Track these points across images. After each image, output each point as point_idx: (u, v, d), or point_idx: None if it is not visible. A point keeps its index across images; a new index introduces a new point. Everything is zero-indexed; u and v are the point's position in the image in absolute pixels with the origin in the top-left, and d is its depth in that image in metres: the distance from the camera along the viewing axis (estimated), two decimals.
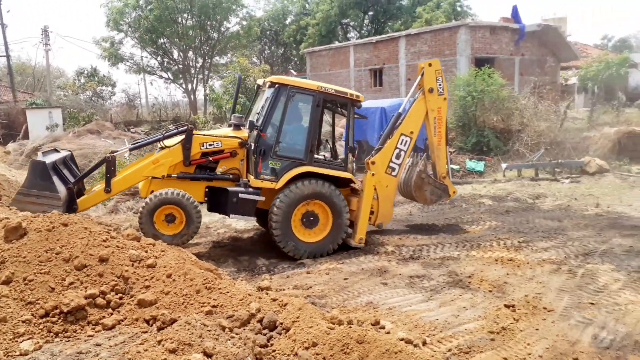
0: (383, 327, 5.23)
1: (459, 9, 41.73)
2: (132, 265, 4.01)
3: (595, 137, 16.03)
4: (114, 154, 7.97)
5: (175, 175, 7.90)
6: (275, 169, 7.90)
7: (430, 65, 8.93)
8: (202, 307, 3.67)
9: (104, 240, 4.17)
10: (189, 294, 3.77)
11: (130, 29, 31.59)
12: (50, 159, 7.28)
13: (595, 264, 7.08)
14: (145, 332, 3.36)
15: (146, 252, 4.23)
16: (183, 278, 3.88)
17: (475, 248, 8.08)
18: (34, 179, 6.85)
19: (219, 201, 8.05)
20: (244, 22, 34.77)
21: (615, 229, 8.81)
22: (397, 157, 8.65)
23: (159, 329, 3.32)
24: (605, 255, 7.43)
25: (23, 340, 3.18)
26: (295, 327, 3.31)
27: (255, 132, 7.87)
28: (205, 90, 28.38)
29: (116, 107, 39.24)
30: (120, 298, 3.77)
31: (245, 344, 3.01)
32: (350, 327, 3.22)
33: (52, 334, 3.39)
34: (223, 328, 3.34)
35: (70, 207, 7.29)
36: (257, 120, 8.01)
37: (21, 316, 3.42)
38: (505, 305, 5.72)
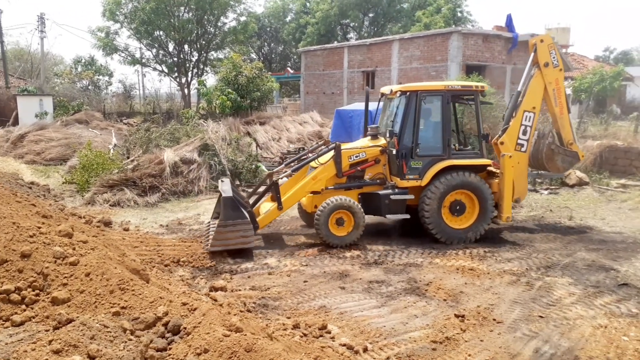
0: (329, 332, 5.27)
1: (459, 14, 41.88)
2: (55, 262, 4.02)
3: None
4: (278, 177, 9.30)
5: (332, 187, 8.90)
6: (418, 168, 8.66)
7: (542, 41, 9.25)
8: (111, 307, 3.68)
9: (31, 236, 4.18)
10: (102, 293, 3.79)
11: (126, 20, 31.51)
12: (229, 191, 8.24)
13: (555, 277, 7.11)
14: (47, 330, 3.38)
15: (74, 249, 4.24)
16: (100, 277, 3.90)
17: (440, 256, 8.11)
18: (227, 211, 7.92)
19: (372, 205, 8.86)
20: (242, 18, 34.72)
21: (583, 243, 8.84)
22: (524, 133, 9.12)
23: (55, 328, 3.34)
24: (566, 269, 7.47)
25: None
26: (195, 332, 3.33)
27: (394, 139, 8.67)
28: (197, 85, 28.30)
29: (112, 97, 39.23)
30: (37, 295, 3.78)
31: (137, 348, 3.03)
32: (245, 335, 3.23)
33: None
34: (124, 330, 3.35)
35: (253, 226, 8.28)
36: (393, 127, 8.93)
37: None
38: (455, 315, 5.74)
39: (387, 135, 8.95)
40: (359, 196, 9.02)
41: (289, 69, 43.63)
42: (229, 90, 22.24)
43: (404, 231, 9.61)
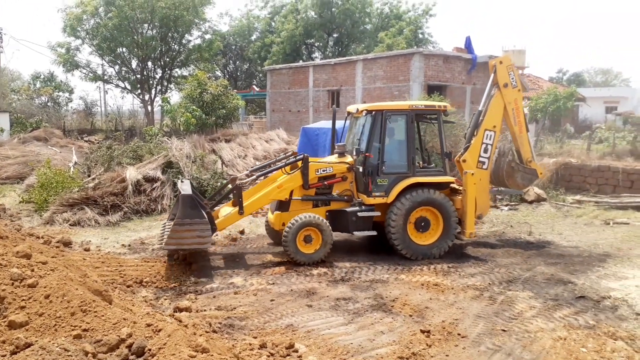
0: (297, 351, 5.23)
1: (420, 36, 43.07)
2: (12, 284, 3.87)
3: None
4: (239, 181, 9.12)
5: (300, 198, 8.95)
6: (384, 186, 8.84)
7: (501, 62, 9.64)
8: (72, 330, 3.57)
9: None
10: (63, 316, 3.67)
11: (87, 36, 30.96)
12: (188, 190, 8.24)
13: (516, 291, 7.30)
14: (4, 355, 3.24)
15: (32, 270, 4.09)
16: (60, 299, 3.77)
17: (405, 272, 8.21)
18: (185, 209, 7.81)
19: (339, 222, 8.97)
20: (207, 36, 34.66)
21: (542, 257, 9.13)
22: (485, 151, 9.47)
23: (12, 353, 3.21)
24: (527, 283, 7.68)
25: None
26: (160, 354, 3.26)
27: (361, 156, 8.89)
28: (161, 102, 27.97)
29: (73, 114, 38.23)
30: None
31: None
32: (211, 355, 3.20)
33: None
34: (86, 353, 3.25)
35: (211, 228, 8.22)
36: (360, 145, 9.14)
37: None
38: (421, 331, 5.82)
39: (354, 153, 9.13)
40: (327, 213, 9.09)
41: (254, 86, 43.65)
42: (194, 107, 22.05)
43: (371, 248, 9.70)
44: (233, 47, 48.11)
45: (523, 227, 11.57)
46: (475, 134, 9.59)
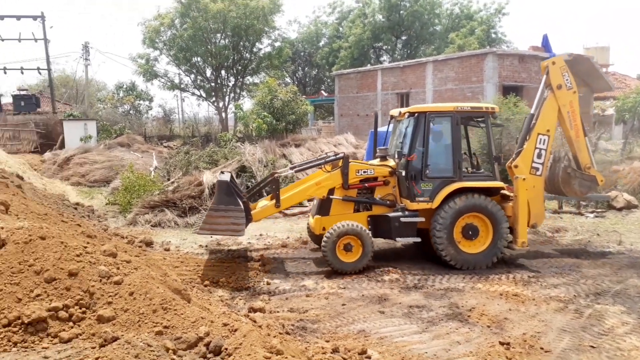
0: (369, 357, 5.16)
1: (493, 35, 41.61)
2: (100, 281, 4.10)
3: (624, 170, 15.48)
4: (279, 173, 9.19)
5: (340, 198, 8.75)
6: (428, 190, 8.52)
7: (553, 63, 9.07)
8: (154, 326, 3.71)
9: (78, 255, 4.29)
10: (145, 312, 3.82)
11: (165, 47, 32.63)
12: (226, 178, 8.28)
13: (606, 304, 6.78)
14: (94, 347, 3.42)
15: (118, 268, 4.31)
16: (143, 297, 3.94)
17: (482, 280, 7.88)
18: (221, 195, 7.86)
19: (382, 228, 8.71)
20: (277, 44, 35.42)
21: (635, 269, 8.43)
22: (539, 156, 8.93)
23: (101, 345, 3.38)
24: (617, 296, 7.12)
25: None
26: (236, 353, 3.30)
27: (403, 160, 8.62)
28: (234, 109, 28.91)
29: (153, 121, 40.49)
30: (83, 312, 3.85)
31: None
32: (285, 358, 3.18)
33: (11, 343, 3.49)
34: (167, 349, 3.36)
35: (246, 217, 8.24)
36: (402, 148, 8.86)
37: None
38: (500, 343, 5.54)
39: (396, 156, 8.87)
40: (368, 219, 8.85)
41: (322, 92, 44.10)
42: (265, 113, 22.61)
43: None
44: (302, 53, 48.87)
45: (612, 236, 10.77)
46: (527, 138, 9.05)
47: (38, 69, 33.17)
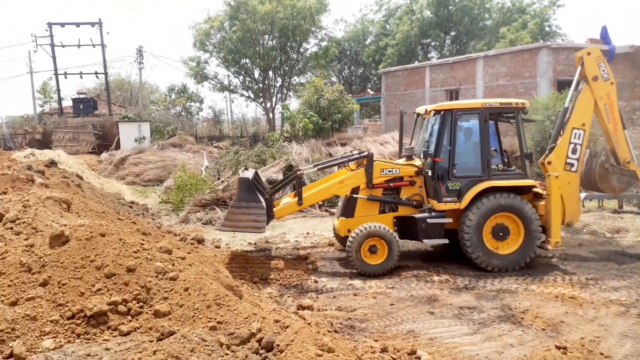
0: (419, 358, 5.09)
1: (547, 29, 40.09)
2: (156, 276, 4.24)
3: None
4: (302, 171, 9.09)
5: (365, 197, 8.57)
6: (456, 190, 8.28)
7: (589, 53, 8.71)
8: (208, 322, 3.80)
9: (135, 252, 4.46)
10: (200, 308, 3.93)
11: (215, 49, 33.39)
12: (249, 175, 8.40)
13: None
14: (152, 341, 3.54)
15: (173, 265, 4.46)
16: (197, 293, 4.05)
17: (536, 282, 7.62)
18: (242, 192, 7.96)
19: (408, 229, 8.59)
20: (323, 43, 35.54)
21: None
22: (574, 152, 8.55)
23: (159, 339, 3.49)
24: None
25: (47, 339, 3.50)
26: (288, 350, 3.33)
27: (429, 160, 8.39)
28: (281, 109, 29.26)
29: (203, 122, 41.64)
30: (141, 307, 4.00)
31: None
32: (337, 356, 3.18)
33: (74, 335, 3.68)
34: (221, 344, 3.43)
35: (269, 214, 8.35)
36: (428, 147, 8.59)
37: (50, 316, 3.76)
38: (557, 347, 5.33)
39: (422, 155, 8.61)
40: (394, 220, 8.67)
41: (369, 90, 43.84)
42: (311, 113, 22.74)
43: None
44: (348, 52, 48.81)
45: None
46: (561, 133, 8.64)
47: (96, 73, 34.76)
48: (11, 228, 5.70)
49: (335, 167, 9.77)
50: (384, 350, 5.12)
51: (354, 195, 8.60)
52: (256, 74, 35.48)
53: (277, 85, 35.90)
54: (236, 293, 4.38)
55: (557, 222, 8.22)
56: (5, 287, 4.04)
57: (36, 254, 4.39)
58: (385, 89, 30.48)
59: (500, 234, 8.21)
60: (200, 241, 9.87)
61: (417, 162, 8.83)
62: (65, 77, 34.43)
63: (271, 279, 7.82)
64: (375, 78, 47.71)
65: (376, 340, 5.54)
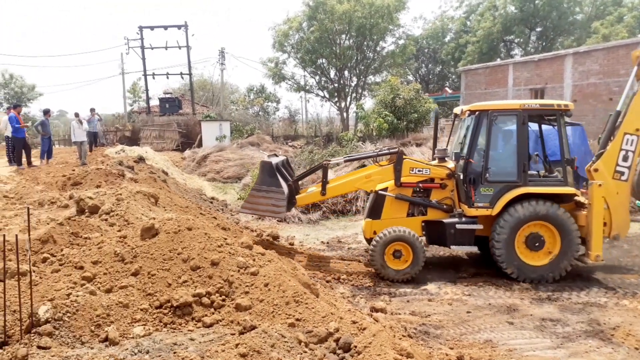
0: None
1: None
2: (238, 271, 4.39)
3: None
4: (329, 161, 9.00)
5: (393, 195, 8.29)
6: (488, 195, 7.94)
7: None
8: (287, 318, 3.87)
9: (219, 246, 4.64)
10: (279, 304, 4.01)
11: (292, 50, 34.01)
12: (274, 160, 8.48)
13: None
14: (234, 334, 3.66)
15: (254, 260, 4.59)
16: (277, 289, 4.14)
17: (628, 296, 7.06)
18: (264, 176, 7.95)
19: (437, 234, 8.32)
20: (400, 42, 35.10)
21: None
22: (625, 159, 7.97)
23: (241, 333, 3.60)
24: None
25: (137, 326, 3.73)
26: (365, 352, 3.31)
27: (462, 162, 8.14)
28: (355, 109, 29.29)
29: (279, 121, 42.66)
30: (223, 300, 4.15)
31: None
32: None
33: (162, 323, 3.90)
34: (299, 342, 3.48)
35: (290, 201, 8.43)
36: (461, 149, 8.34)
37: (141, 305, 4.01)
38: None
39: (453, 157, 8.20)
40: (423, 224, 8.30)
41: (447, 88, 42.72)
42: (386, 112, 22.54)
43: (583, 266, 8.61)
44: (425, 50, 47.86)
45: None
46: (611, 138, 7.91)
47: (181, 74, 36.61)
48: (106, 220, 6.16)
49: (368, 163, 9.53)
50: (460, 358, 4.98)
51: (381, 192, 8.30)
52: (332, 73, 35.73)
53: (352, 84, 35.94)
54: (313, 291, 4.44)
55: (599, 234, 7.63)
56: (102, 274, 4.37)
57: (129, 245, 4.71)
58: (465, 88, 29.55)
59: (535, 244, 7.76)
60: (275, 238, 10.11)
61: (450, 164, 8.46)
62: (153, 78, 36.66)
63: (344, 279, 7.85)
64: (454, 76, 46.44)
65: (452, 348, 5.39)
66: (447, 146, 9.36)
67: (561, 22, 39.47)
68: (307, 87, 37.62)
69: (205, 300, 4.08)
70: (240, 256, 4.52)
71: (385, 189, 8.33)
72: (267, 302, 4.07)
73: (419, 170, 8.35)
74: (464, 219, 8.01)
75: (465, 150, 8.14)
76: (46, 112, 17.22)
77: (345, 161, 9.65)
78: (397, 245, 7.82)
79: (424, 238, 8.41)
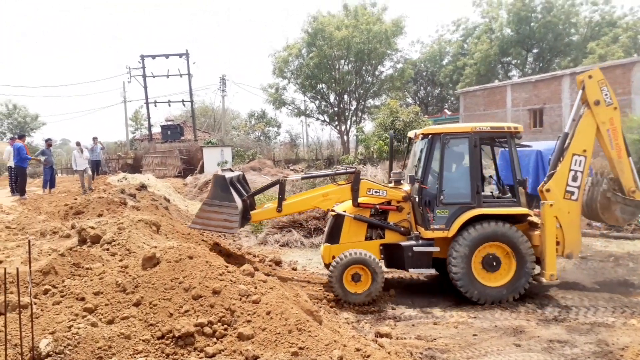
0: None
1: None
2: (240, 299, 4.35)
3: None
4: (286, 179, 8.89)
5: (352, 215, 8.25)
6: (444, 217, 7.94)
7: (590, 77, 8.29)
8: (290, 347, 3.81)
9: (220, 274, 4.61)
10: (282, 332, 3.96)
11: (292, 75, 34.46)
12: (228, 175, 8.36)
13: None
14: None
15: (255, 288, 4.55)
16: (279, 317, 4.09)
17: (636, 316, 6.97)
18: (216, 191, 7.82)
19: (394, 257, 8.30)
20: (399, 65, 35.54)
21: None
22: (574, 179, 8.12)
23: None
24: None
25: (139, 357, 3.68)
26: None
27: (417, 185, 8.12)
28: (355, 132, 29.52)
29: (280, 146, 42.92)
30: (225, 329, 4.10)
31: None
32: None
33: (164, 354, 3.84)
34: None
35: (245, 217, 8.29)
36: (416, 172, 8.32)
37: (142, 335, 3.96)
38: None
39: (408, 181, 8.22)
40: (381, 247, 8.27)
41: (446, 110, 43.08)
42: (386, 135, 22.70)
43: (589, 286, 8.54)
44: (424, 73, 48.39)
45: None
46: (561, 159, 8.07)
47: (182, 101, 37.14)
48: (107, 249, 6.14)
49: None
50: None
51: (341, 213, 8.27)
52: (332, 98, 36.14)
53: (352, 108, 36.29)
54: (316, 318, 4.40)
55: (552, 254, 7.73)
56: (103, 305, 4.34)
57: (130, 275, 4.69)
58: (464, 110, 29.79)
59: (492, 264, 7.78)
60: (278, 263, 10.05)
61: (406, 187, 8.48)
62: (155, 106, 37.00)
63: (347, 304, 7.76)
64: (452, 98, 46.84)
65: None
66: (403, 169, 9.41)
67: (557, 43, 40.00)
68: (308, 112, 37.98)
69: (207, 329, 4.03)
70: (242, 284, 4.49)
71: (343, 212, 8.33)
72: (269, 330, 4.02)
73: (375, 192, 8.33)
74: (421, 242, 8.02)
75: (419, 173, 8.17)
76: (48, 142, 17.37)
77: (303, 179, 9.71)
78: (356, 268, 7.75)
79: (382, 262, 8.35)
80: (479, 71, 40.60)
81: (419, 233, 8.14)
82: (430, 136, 8.16)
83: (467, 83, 39.33)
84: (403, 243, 8.07)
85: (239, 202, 7.93)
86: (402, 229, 8.26)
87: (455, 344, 6.18)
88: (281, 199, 8.39)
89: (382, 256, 8.33)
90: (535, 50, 42.25)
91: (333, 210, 8.41)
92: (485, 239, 7.74)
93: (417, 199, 8.09)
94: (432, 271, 8.15)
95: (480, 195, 7.91)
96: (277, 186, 8.61)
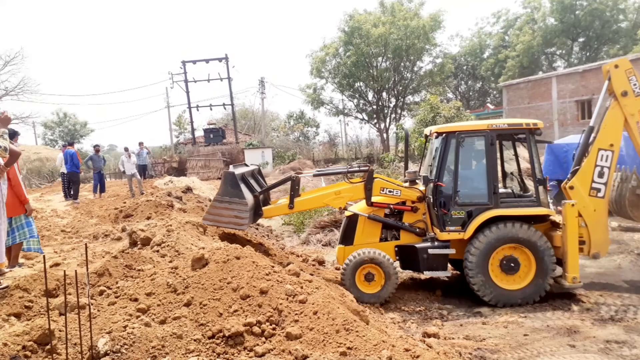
0: None
1: None
2: (287, 299, 4.38)
3: None
4: (299, 175, 8.79)
5: (366, 215, 8.12)
6: (460, 219, 7.72)
7: (616, 66, 7.88)
8: (338, 347, 3.81)
9: (267, 274, 4.66)
10: (329, 332, 3.96)
11: (330, 75, 34.51)
12: (239, 170, 8.28)
13: None
14: None
15: (301, 287, 4.58)
16: (326, 317, 4.10)
17: None
18: (226, 187, 7.75)
19: (410, 259, 8.13)
20: (438, 60, 34.99)
21: None
22: (600, 175, 7.75)
23: None
24: None
25: (191, 357, 3.77)
26: None
27: (431, 185, 7.93)
28: (395, 129, 29.26)
29: (319, 146, 43.10)
30: (273, 329, 4.14)
31: None
32: None
33: (215, 354, 3.91)
34: None
35: (256, 212, 8.25)
36: (431, 172, 8.12)
37: (194, 335, 4.05)
38: None
39: (422, 181, 7.90)
40: (396, 249, 8.05)
41: (488, 104, 42.06)
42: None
43: None
44: (464, 67, 47.49)
45: None
46: (586, 155, 7.66)
47: (223, 104, 37.67)
48: (157, 251, 6.33)
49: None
50: None
51: (352, 210, 8.11)
52: (370, 96, 35.96)
53: (391, 105, 35.98)
54: (363, 318, 4.38)
55: (575, 255, 7.37)
56: (155, 306, 4.47)
57: (180, 276, 4.81)
58: (507, 103, 29.01)
59: (510, 267, 7.49)
60: (321, 262, 10.08)
61: (421, 186, 8.21)
62: (197, 110, 37.75)
63: (395, 303, 7.71)
64: (495, 92, 45.77)
65: None
66: (419, 168, 9.17)
67: (605, 31, 38.38)
68: (346, 111, 37.93)
69: (256, 329, 4.08)
70: (288, 284, 4.53)
71: (357, 212, 8.19)
72: (317, 330, 4.03)
73: (389, 191, 8.13)
74: (436, 243, 7.81)
75: (434, 173, 7.93)
76: (96, 148, 18.10)
77: (315, 176, 9.59)
78: (369, 267, 7.63)
79: (397, 263, 8.16)
80: (521, 63, 39.51)
81: (435, 235, 7.96)
82: (445, 134, 7.91)
83: (510, 76, 38.32)
84: (418, 245, 7.90)
85: (249, 198, 7.89)
86: (417, 230, 8.08)
87: (506, 344, 6.02)
88: (293, 195, 8.24)
89: (397, 258, 8.16)
90: (581, 39, 40.71)
91: (347, 210, 8.31)
92: (502, 241, 7.49)
93: (431, 200, 7.91)
94: (448, 274, 8.05)
95: (497, 196, 7.63)
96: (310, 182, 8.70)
